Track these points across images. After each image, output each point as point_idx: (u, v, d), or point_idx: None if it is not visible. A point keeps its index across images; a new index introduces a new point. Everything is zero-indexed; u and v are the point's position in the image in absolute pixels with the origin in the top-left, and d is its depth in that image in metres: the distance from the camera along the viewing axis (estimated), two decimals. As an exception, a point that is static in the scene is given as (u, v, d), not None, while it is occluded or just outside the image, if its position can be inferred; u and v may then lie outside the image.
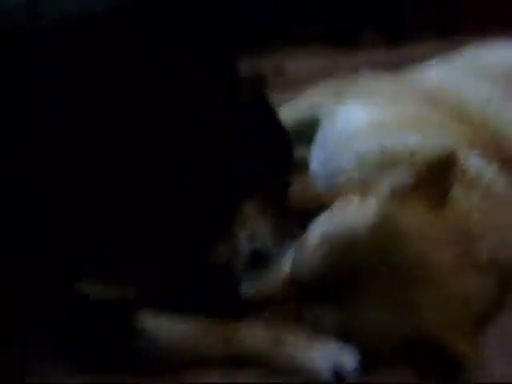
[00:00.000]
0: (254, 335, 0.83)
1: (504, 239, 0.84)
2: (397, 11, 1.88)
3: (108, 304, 0.82)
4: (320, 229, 0.83)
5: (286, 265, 0.84)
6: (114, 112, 0.82)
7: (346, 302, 0.77)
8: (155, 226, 0.80)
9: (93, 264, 0.81)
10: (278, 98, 1.04)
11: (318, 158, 1.11)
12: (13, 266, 0.83)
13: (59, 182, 0.81)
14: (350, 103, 1.08)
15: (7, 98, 0.84)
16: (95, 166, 0.81)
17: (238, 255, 0.85)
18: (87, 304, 0.81)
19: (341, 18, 1.84)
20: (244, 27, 1.55)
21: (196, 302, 0.85)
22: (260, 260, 0.86)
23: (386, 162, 0.93)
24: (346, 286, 0.77)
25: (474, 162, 0.87)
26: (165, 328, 0.83)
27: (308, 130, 1.20)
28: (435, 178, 0.80)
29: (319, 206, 0.92)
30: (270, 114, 0.89)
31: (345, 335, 0.79)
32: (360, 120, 1.02)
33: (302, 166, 1.17)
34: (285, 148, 0.88)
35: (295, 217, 0.92)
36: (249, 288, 0.83)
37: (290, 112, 1.23)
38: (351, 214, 0.81)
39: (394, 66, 1.33)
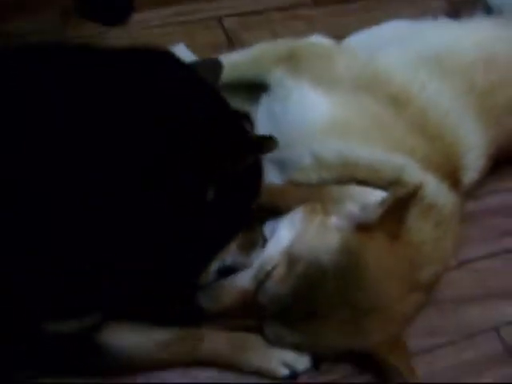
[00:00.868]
0: (217, 343, 0.91)
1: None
2: None
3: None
4: (282, 247, 0.87)
5: (246, 280, 0.88)
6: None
7: (304, 327, 0.86)
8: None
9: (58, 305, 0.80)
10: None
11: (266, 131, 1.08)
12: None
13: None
14: (307, 87, 1.01)
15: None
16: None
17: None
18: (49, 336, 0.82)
19: None
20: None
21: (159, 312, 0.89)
22: (227, 273, 0.90)
23: (345, 172, 0.95)
24: (306, 314, 0.85)
25: (429, 187, 0.92)
26: (130, 341, 0.87)
27: (248, 84, 1.14)
28: (397, 214, 0.86)
29: (272, 199, 0.95)
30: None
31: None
32: (320, 115, 0.97)
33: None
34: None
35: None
36: (209, 300, 0.88)
37: (235, 61, 1.16)
38: (315, 245, 0.85)
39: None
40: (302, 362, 0.92)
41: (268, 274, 0.85)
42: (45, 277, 0.75)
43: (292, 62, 1.07)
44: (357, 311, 0.85)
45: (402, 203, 0.85)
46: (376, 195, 0.91)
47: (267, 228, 0.94)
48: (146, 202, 0.68)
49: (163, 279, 0.78)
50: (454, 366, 0.98)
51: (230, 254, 0.89)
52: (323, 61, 1.05)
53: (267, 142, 0.77)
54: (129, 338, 0.87)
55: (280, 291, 0.84)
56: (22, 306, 0.78)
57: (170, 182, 0.68)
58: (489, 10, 1.33)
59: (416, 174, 0.93)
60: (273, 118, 1.06)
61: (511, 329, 1.04)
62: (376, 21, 1.39)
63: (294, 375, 0.92)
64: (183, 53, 1.27)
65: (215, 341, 0.91)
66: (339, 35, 1.37)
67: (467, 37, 1.10)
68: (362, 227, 0.85)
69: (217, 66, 0.96)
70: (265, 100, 1.11)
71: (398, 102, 0.98)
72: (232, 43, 1.40)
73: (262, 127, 1.10)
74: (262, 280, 0.85)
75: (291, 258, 0.85)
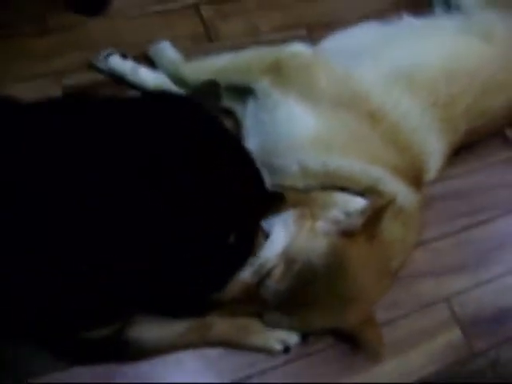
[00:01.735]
0: (224, 328, 1.08)
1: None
2: None
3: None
4: (278, 250, 1.03)
5: (248, 275, 1.04)
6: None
7: (298, 314, 1.04)
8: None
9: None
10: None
11: (253, 140, 1.19)
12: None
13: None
14: (293, 102, 1.13)
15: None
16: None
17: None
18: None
19: None
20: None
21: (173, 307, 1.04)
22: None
23: (328, 180, 1.11)
24: (300, 304, 1.03)
25: (399, 194, 1.10)
26: (152, 334, 1.03)
27: (235, 89, 1.25)
28: (375, 220, 1.03)
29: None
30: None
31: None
32: (306, 129, 1.10)
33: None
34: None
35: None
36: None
37: (221, 67, 1.26)
38: (307, 248, 1.02)
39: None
40: (292, 338, 1.12)
41: (268, 273, 1.02)
42: (81, 292, 0.88)
43: (277, 73, 1.18)
44: (341, 300, 1.03)
45: (379, 212, 1.02)
46: (356, 201, 1.08)
47: (267, 225, 1.08)
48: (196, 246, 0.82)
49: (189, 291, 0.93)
50: (412, 333, 1.21)
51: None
52: (306, 75, 1.16)
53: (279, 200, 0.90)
54: (151, 332, 1.03)
55: (279, 287, 1.01)
56: (60, 321, 0.92)
57: (205, 232, 0.81)
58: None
59: (389, 182, 1.10)
60: (261, 125, 1.18)
61: (460, 299, 1.26)
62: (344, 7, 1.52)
63: (287, 349, 1.12)
64: (168, 51, 1.35)
65: (222, 327, 1.08)
66: (311, 23, 1.50)
67: (431, 50, 1.24)
68: (346, 232, 1.03)
69: (214, 87, 1.06)
70: (252, 105, 1.23)
71: (374, 118, 1.12)
72: (210, 35, 1.48)
73: (250, 130, 1.22)
74: (262, 277, 1.02)
75: (288, 260, 1.01)
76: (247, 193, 0.86)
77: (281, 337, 1.11)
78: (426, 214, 1.28)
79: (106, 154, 0.85)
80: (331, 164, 1.10)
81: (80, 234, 0.81)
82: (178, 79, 1.30)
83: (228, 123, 1.29)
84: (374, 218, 1.02)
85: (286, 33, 1.51)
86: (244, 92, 1.26)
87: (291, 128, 1.13)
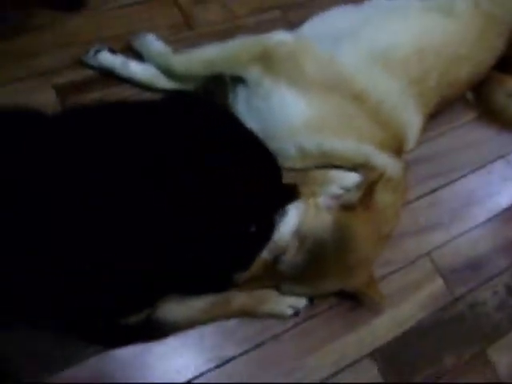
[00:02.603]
0: (242, 300, 1.20)
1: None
2: None
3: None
4: (291, 229, 1.14)
5: (266, 253, 1.15)
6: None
7: (311, 282, 1.17)
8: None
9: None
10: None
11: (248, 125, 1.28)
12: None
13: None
14: (285, 89, 1.21)
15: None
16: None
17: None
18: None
19: None
20: None
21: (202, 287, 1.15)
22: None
23: (324, 160, 1.22)
24: (313, 273, 1.16)
25: (387, 165, 1.23)
26: (179, 313, 1.14)
27: (224, 78, 1.32)
28: (370, 192, 1.16)
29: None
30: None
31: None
32: (299, 113, 1.20)
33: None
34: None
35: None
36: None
37: (210, 58, 1.31)
38: (316, 225, 1.14)
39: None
40: (301, 302, 1.25)
41: (284, 250, 1.13)
42: (122, 280, 0.97)
43: (266, 62, 1.26)
44: (348, 266, 1.17)
45: (373, 184, 1.15)
46: (351, 177, 1.21)
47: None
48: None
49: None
50: (401, 287, 1.37)
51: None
52: (294, 63, 1.25)
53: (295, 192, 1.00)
54: (178, 310, 1.13)
55: (295, 261, 1.14)
56: (102, 309, 1.01)
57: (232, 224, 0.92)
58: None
59: (377, 156, 1.23)
60: (256, 112, 1.26)
61: (439, 252, 1.43)
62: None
63: (297, 313, 1.25)
64: (155, 43, 1.40)
65: (241, 299, 1.20)
66: (284, 4, 1.58)
67: (401, 30, 1.35)
68: (346, 206, 1.15)
69: (220, 84, 1.14)
70: (243, 93, 1.30)
71: (359, 98, 1.23)
72: (189, 23, 1.53)
73: (244, 116, 1.30)
74: (279, 254, 1.14)
75: (300, 237, 1.13)
76: (265, 188, 0.96)
77: (291, 302, 1.24)
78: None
79: (110, 154, 0.93)
80: (325, 145, 1.21)
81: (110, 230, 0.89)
82: (167, 71, 1.36)
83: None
84: (369, 191, 1.15)
85: (261, 16, 1.59)
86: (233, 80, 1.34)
87: (285, 114, 1.22)
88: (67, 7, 1.47)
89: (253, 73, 1.27)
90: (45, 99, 1.33)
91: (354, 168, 1.23)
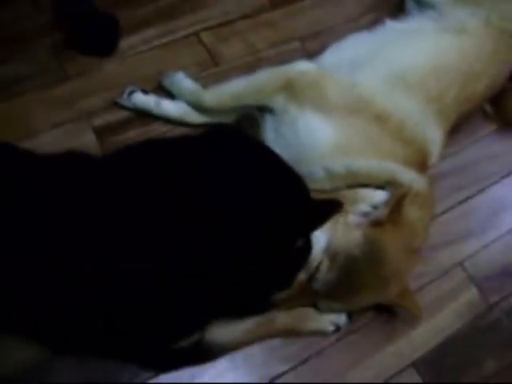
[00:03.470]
0: (284, 320, 1.25)
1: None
2: None
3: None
4: (322, 247, 1.20)
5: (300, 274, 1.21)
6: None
7: (347, 298, 1.22)
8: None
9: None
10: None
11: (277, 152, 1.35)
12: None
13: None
14: (310, 115, 1.29)
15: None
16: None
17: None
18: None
19: None
20: None
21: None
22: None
23: (351, 180, 1.28)
24: (347, 289, 1.21)
25: (413, 180, 1.28)
26: (226, 335, 1.20)
27: (252, 111, 1.42)
28: (397, 208, 1.21)
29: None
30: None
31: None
32: (325, 138, 1.27)
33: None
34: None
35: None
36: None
37: (237, 92, 1.40)
38: (346, 242, 1.19)
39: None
40: (342, 318, 1.30)
41: (317, 268, 1.19)
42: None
43: (290, 90, 1.34)
44: (381, 280, 1.21)
45: (400, 200, 1.20)
46: (379, 194, 1.27)
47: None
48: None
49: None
50: (437, 297, 1.40)
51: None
52: (316, 90, 1.32)
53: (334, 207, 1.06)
54: (226, 333, 1.19)
55: (328, 279, 1.19)
56: (154, 334, 1.07)
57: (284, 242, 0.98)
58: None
59: (403, 172, 1.28)
60: (283, 138, 1.33)
61: (472, 261, 1.46)
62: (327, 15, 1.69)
63: (338, 329, 1.30)
64: (185, 81, 1.49)
65: (283, 318, 1.25)
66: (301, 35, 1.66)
67: (417, 52, 1.42)
68: (375, 222, 1.21)
69: (251, 116, 1.21)
70: (271, 121, 1.38)
71: (381, 119, 1.30)
72: (214, 60, 1.63)
73: (272, 143, 1.37)
74: (312, 273, 1.19)
75: (331, 254, 1.19)
76: (300, 207, 1.02)
77: (332, 319, 1.29)
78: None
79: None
80: (352, 165, 1.27)
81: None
82: (198, 106, 1.45)
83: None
84: (396, 207, 1.20)
85: (281, 47, 1.67)
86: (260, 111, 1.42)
87: (312, 138, 1.29)
88: (100, 54, 1.58)
89: (278, 102, 1.35)
90: (86, 141, 1.43)
91: (381, 186, 1.28)
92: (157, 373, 1.21)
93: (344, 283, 1.19)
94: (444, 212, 1.52)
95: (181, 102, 1.48)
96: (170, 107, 1.47)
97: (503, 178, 1.60)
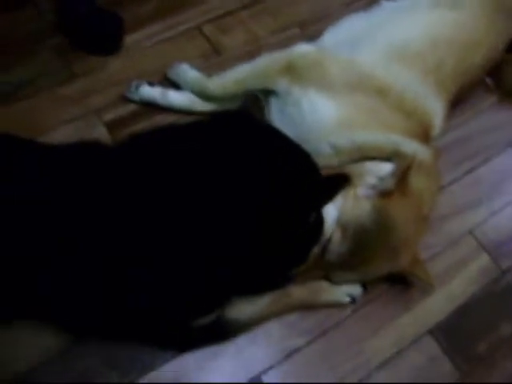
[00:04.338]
0: (300, 293, 1.29)
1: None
2: None
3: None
4: (333, 219, 1.23)
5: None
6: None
7: (359, 268, 1.25)
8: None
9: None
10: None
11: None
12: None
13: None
14: (313, 94, 1.32)
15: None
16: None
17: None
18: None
19: None
20: None
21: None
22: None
23: (357, 154, 1.31)
24: (360, 260, 1.24)
25: (417, 151, 1.31)
26: (245, 312, 1.23)
27: (256, 95, 1.45)
28: (404, 178, 1.24)
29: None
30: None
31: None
32: (330, 115, 1.30)
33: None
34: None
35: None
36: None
37: (241, 77, 1.45)
38: (356, 213, 1.22)
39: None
40: (357, 289, 1.33)
41: (329, 240, 1.22)
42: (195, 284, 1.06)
43: (292, 72, 1.37)
44: (392, 249, 1.24)
45: (406, 170, 1.23)
46: (385, 166, 1.29)
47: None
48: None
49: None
50: (449, 266, 1.43)
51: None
52: (317, 70, 1.36)
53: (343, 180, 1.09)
54: (244, 309, 1.23)
55: (340, 250, 1.22)
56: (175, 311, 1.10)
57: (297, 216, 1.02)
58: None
59: (406, 144, 1.31)
60: (289, 118, 1.37)
61: (481, 228, 1.49)
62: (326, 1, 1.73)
63: (353, 300, 1.33)
64: (189, 72, 1.53)
65: (299, 292, 1.28)
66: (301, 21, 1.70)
67: (413, 27, 1.45)
68: (383, 193, 1.24)
69: (256, 100, 1.25)
70: (276, 103, 1.41)
71: (381, 92, 1.33)
72: (217, 50, 1.67)
73: (279, 124, 1.40)
74: (325, 245, 1.22)
75: (342, 226, 1.22)
76: (311, 182, 1.05)
77: (347, 290, 1.32)
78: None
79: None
80: (357, 140, 1.30)
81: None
82: (204, 95, 1.49)
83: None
84: (403, 177, 1.23)
85: (281, 34, 1.71)
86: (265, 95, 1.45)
87: (317, 117, 1.33)
88: (105, 53, 1.62)
89: (281, 84, 1.38)
90: (98, 135, 1.47)
91: (387, 158, 1.31)
92: (180, 351, 1.25)
93: (356, 253, 1.22)
94: (451, 183, 1.54)
95: (187, 92, 1.52)
96: (176, 97, 1.51)
97: (507, 146, 1.63)
